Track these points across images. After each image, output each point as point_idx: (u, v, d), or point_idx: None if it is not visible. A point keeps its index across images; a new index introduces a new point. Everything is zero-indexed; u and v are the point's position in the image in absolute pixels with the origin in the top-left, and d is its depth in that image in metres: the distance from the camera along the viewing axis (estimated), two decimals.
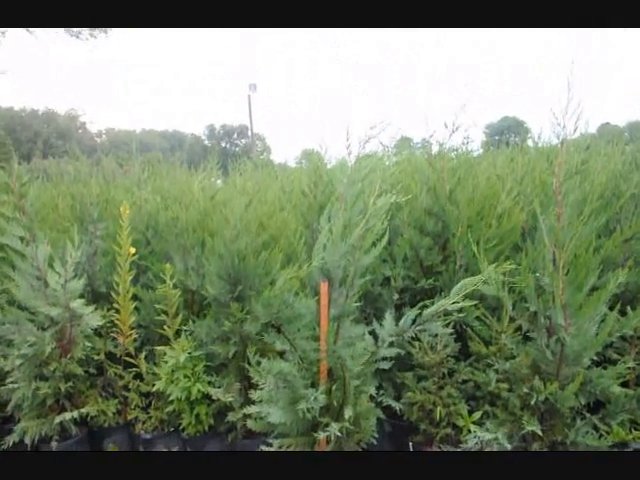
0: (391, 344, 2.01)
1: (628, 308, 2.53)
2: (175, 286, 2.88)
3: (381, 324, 2.08)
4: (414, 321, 2.05)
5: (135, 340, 3.04)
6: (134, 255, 2.92)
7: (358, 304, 2.10)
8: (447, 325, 2.43)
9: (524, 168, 3.33)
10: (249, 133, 46.71)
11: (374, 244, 2.06)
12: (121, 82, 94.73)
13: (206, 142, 65.26)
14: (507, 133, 49.49)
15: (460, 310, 2.02)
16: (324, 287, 1.97)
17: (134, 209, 3.46)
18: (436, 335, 2.55)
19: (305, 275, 1.94)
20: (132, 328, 3.00)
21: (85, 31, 20.17)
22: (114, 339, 3.01)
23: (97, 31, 19.98)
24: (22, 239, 2.85)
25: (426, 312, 2.00)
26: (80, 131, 56.77)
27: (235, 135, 66.06)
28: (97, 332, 3.02)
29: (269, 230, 2.71)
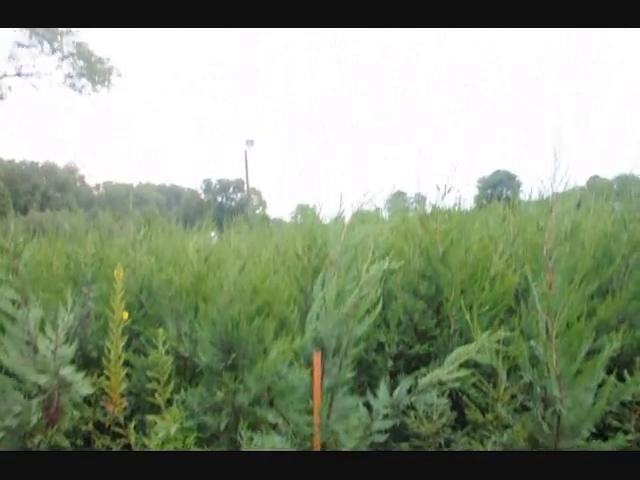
0: (386, 416, 1.97)
1: (625, 372, 2.51)
2: (167, 352, 2.83)
3: (375, 395, 2.04)
4: (409, 391, 2.03)
5: (125, 408, 2.96)
6: (126, 320, 2.89)
7: (351, 374, 2.07)
8: (443, 393, 2.40)
9: (515, 229, 3.37)
10: (245, 188, 47.33)
11: (368, 312, 2.06)
12: (120, 136, 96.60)
13: (202, 196, 65.93)
14: (499, 186, 50.39)
15: (455, 379, 1.99)
16: (317, 358, 1.95)
17: (128, 271, 3.46)
18: (432, 404, 2.51)
19: (299, 346, 1.92)
20: (122, 396, 2.93)
21: (88, 85, 20.83)
22: (103, 407, 2.93)
23: (99, 86, 20.61)
24: (14, 302, 2.82)
25: (421, 382, 1.98)
26: (78, 184, 57.44)
27: (231, 189, 66.79)
28: (87, 400, 2.95)
29: (263, 295, 2.70)
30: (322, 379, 1.99)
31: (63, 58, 20.30)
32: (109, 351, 2.89)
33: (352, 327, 1.99)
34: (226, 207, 62.05)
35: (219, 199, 65.79)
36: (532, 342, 1.91)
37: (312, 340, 1.97)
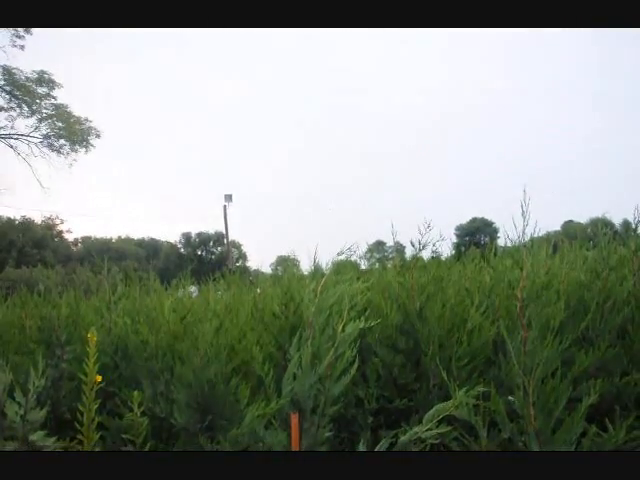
0: None
1: (607, 421, 2.52)
2: (144, 413, 2.77)
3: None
4: (389, 449, 2.00)
5: None
6: (100, 383, 2.83)
7: (329, 433, 2.05)
8: (425, 448, 2.37)
9: (491, 280, 3.43)
10: (225, 241, 47.36)
11: (344, 371, 2.05)
12: (99, 190, 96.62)
13: (182, 250, 65.56)
14: (477, 234, 51.33)
15: (435, 435, 1.98)
16: (294, 420, 1.93)
17: (103, 332, 3.41)
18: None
19: (275, 409, 1.90)
20: None
21: (66, 146, 21.03)
22: None
23: (77, 146, 20.82)
24: None
25: (400, 440, 1.96)
26: (56, 240, 56.75)
27: (211, 243, 66.61)
28: None
29: (240, 354, 2.68)
30: (300, 440, 1.96)
31: (41, 119, 20.57)
32: (81, 414, 2.81)
33: (329, 387, 1.98)
34: (206, 260, 61.79)
35: (199, 252, 65.51)
36: (510, 397, 1.92)
37: (289, 402, 1.95)
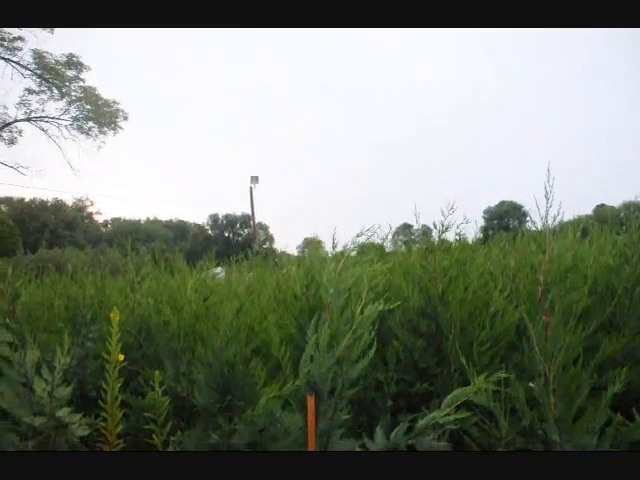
0: None
1: (634, 411, 2.45)
2: (165, 392, 2.81)
3: (371, 439, 2.00)
4: (406, 433, 1.98)
5: (123, 450, 2.92)
6: (123, 362, 2.88)
7: (347, 416, 2.04)
8: (444, 433, 2.35)
9: (517, 264, 3.34)
10: (251, 223, 47.64)
11: (362, 354, 2.03)
12: (129, 172, 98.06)
13: (209, 232, 66.18)
14: (505, 217, 50.45)
15: (455, 420, 1.95)
16: (311, 402, 1.92)
17: (127, 311, 3.46)
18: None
19: (291, 390, 1.90)
20: (120, 437, 2.89)
21: (95, 128, 21.35)
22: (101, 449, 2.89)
23: (105, 128, 21.13)
24: (10, 345, 2.82)
25: (418, 425, 1.93)
26: (87, 221, 58.01)
27: (238, 225, 67.15)
28: (85, 441, 2.91)
29: (260, 335, 2.69)
30: (317, 422, 1.95)
31: (71, 102, 20.86)
32: (105, 392, 2.87)
33: (346, 369, 1.97)
34: (233, 242, 62.29)
35: (226, 234, 66.12)
36: (531, 384, 1.87)
37: (306, 383, 1.95)
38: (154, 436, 2.76)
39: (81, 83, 20.84)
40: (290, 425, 1.87)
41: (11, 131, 20.98)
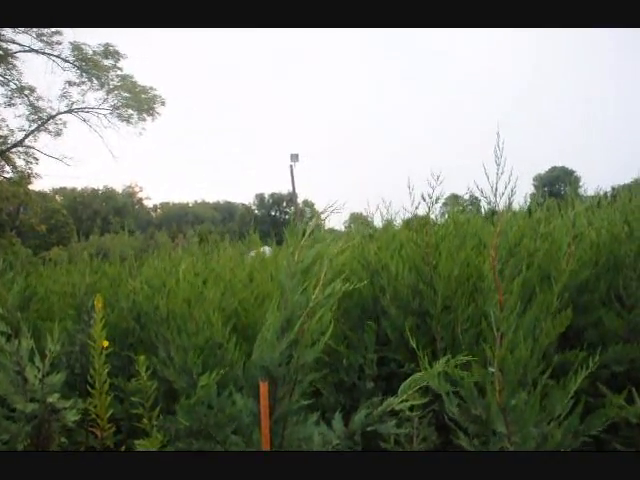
0: (337, 446, 1.85)
1: (634, 391, 2.27)
2: (156, 376, 2.82)
3: (330, 425, 1.93)
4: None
5: (118, 433, 2.97)
6: (108, 348, 2.91)
7: (306, 402, 1.96)
8: (426, 414, 2.26)
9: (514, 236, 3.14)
10: (297, 201, 47.81)
11: (320, 337, 1.95)
12: (173, 157, 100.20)
13: (256, 211, 66.92)
14: (556, 184, 48.41)
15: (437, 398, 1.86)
16: (263, 388, 1.85)
17: (127, 299, 3.50)
18: (416, 427, 2.35)
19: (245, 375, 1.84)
20: (111, 421, 2.94)
21: (134, 115, 21.77)
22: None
23: (144, 114, 21.55)
24: (3, 334, 2.89)
25: (376, 412, 1.84)
26: (137, 207, 59.83)
27: (284, 203, 67.56)
28: (81, 425, 2.97)
29: (237, 320, 2.65)
30: (273, 408, 1.89)
31: (109, 91, 21.32)
32: (93, 379, 2.91)
33: (300, 353, 1.89)
34: (280, 220, 62.81)
35: (272, 213, 66.73)
36: (490, 369, 1.73)
37: (259, 368, 1.88)
38: (144, 420, 2.79)
39: (118, 72, 21.25)
40: (242, 410, 1.81)
41: (56, 123, 21.69)
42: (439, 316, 2.51)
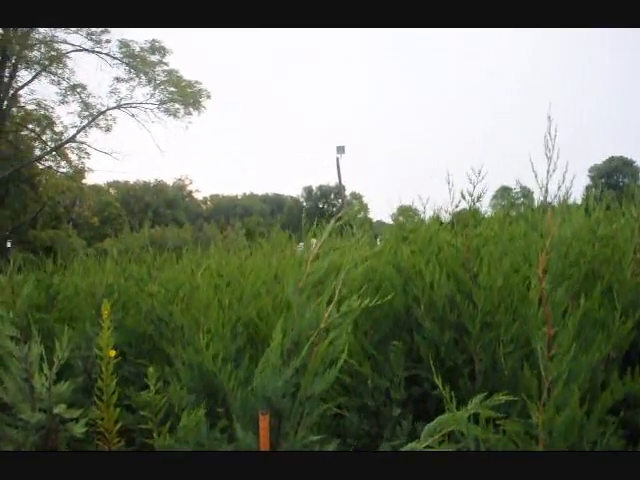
0: None
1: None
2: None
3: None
4: None
5: (131, 444, 2.80)
6: (116, 358, 2.72)
7: (316, 437, 1.68)
8: None
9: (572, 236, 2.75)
10: (344, 193, 47.58)
11: (333, 364, 1.66)
12: (223, 151, 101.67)
13: (304, 204, 67.13)
14: (615, 175, 45.97)
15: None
16: (264, 422, 1.59)
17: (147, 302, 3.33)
18: None
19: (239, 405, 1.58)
20: (123, 432, 2.76)
21: (181, 109, 22.03)
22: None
23: (190, 108, 21.78)
24: (12, 338, 2.76)
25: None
26: (187, 199, 60.94)
27: (332, 196, 67.51)
28: (92, 435, 2.83)
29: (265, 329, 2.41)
30: (276, 444, 1.63)
31: (156, 86, 21.64)
32: (101, 391, 2.73)
33: (307, 382, 1.61)
34: (327, 213, 62.82)
35: (320, 205, 66.77)
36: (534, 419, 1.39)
37: (260, 399, 1.62)
38: (154, 434, 2.60)
39: (165, 67, 21.54)
40: (241, 447, 1.56)
41: (107, 119, 22.22)
42: (478, 334, 2.18)
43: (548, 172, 1.41)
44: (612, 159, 47.49)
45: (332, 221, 1.84)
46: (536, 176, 1.46)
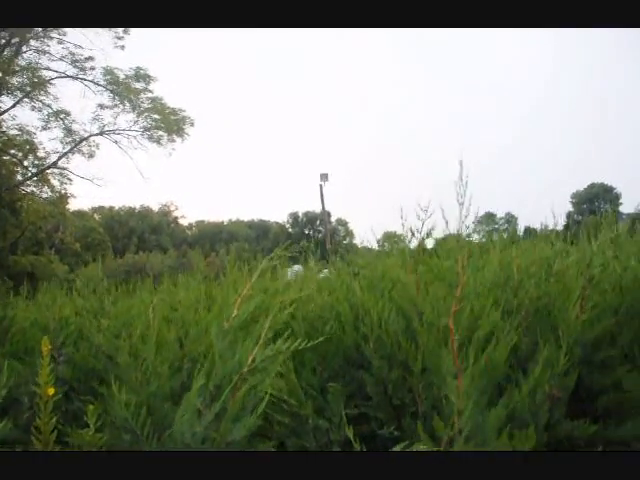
0: None
1: None
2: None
3: None
4: None
5: None
6: (54, 396, 2.64)
7: None
8: None
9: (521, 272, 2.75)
10: (328, 220, 47.77)
11: (252, 408, 1.62)
12: (208, 177, 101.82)
13: (290, 230, 67.25)
14: (596, 201, 46.70)
15: None
16: None
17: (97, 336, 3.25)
18: None
19: None
20: None
21: (164, 136, 22.11)
22: None
23: (174, 135, 21.88)
24: None
25: None
26: (172, 225, 60.74)
27: (318, 222, 67.79)
28: None
29: None
30: None
31: (140, 114, 21.75)
32: (38, 431, 2.64)
33: (227, 430, 1.56)
34: (313, 239, 62.83)
35: (306, 231, 66.96)
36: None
37: (180, 445, 1.56)
38: None
39: (149, 94, 21.68)
40: None
41: (90, 145, 22.21)
42: (419, 375, 2.14)
43: (460, 218, 1.40)
44: (593, 185, 48.32)
45: (264, 261, 1.80)
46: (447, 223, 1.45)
